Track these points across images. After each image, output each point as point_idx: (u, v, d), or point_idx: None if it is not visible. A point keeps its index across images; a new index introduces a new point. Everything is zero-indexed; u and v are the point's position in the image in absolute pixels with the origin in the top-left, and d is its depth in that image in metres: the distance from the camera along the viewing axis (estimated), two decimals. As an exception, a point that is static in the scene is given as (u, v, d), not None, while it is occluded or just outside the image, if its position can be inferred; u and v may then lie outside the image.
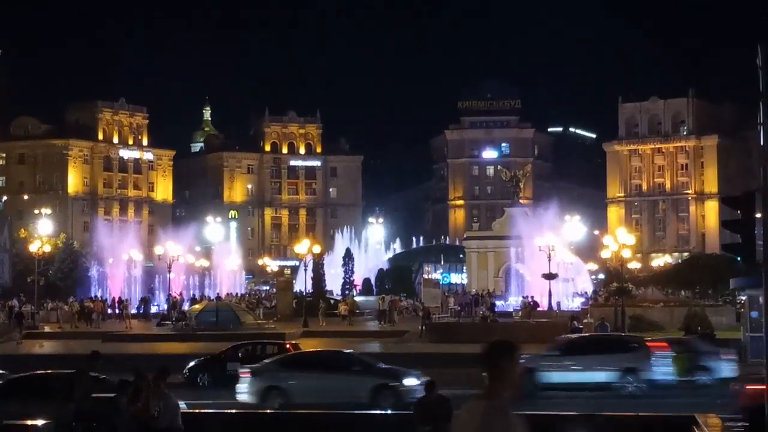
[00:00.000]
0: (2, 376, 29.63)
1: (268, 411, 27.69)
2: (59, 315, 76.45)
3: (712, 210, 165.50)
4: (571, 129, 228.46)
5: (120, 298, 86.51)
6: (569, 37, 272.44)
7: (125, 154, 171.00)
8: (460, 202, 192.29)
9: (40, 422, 20.07)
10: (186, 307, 79.23)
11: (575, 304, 72.02)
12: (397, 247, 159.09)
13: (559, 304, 70.18)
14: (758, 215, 20.22)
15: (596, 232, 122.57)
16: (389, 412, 25.89)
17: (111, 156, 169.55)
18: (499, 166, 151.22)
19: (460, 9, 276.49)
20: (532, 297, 71.41)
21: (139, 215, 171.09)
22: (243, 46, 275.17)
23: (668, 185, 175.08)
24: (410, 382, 30.18)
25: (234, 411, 26.20)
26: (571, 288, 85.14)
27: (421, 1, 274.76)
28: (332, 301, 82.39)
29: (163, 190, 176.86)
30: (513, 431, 7.57)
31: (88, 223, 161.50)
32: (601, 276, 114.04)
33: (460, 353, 40.78)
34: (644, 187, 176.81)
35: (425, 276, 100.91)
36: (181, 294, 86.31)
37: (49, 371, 28.17)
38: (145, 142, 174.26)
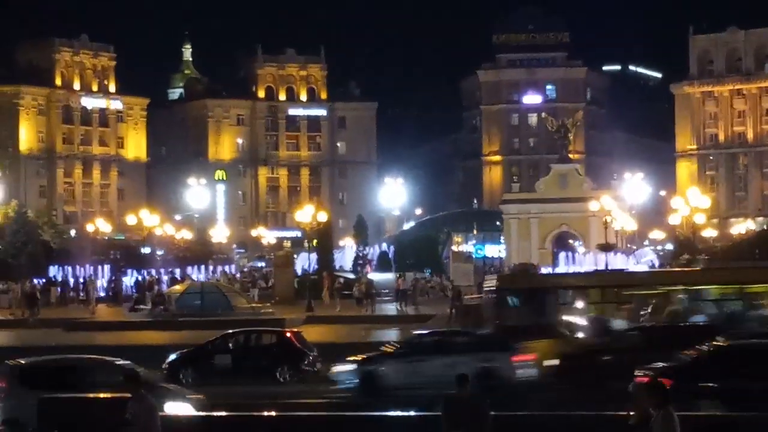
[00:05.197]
0: None
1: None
2: (11, 299, 76.67)
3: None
4: (632, 67, 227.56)
5: (84, 278, 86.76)
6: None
7: (89, 102, 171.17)
8: (497, 158, 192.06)
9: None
10: (164, 288, 79.48)
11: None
12: (419, 213, 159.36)
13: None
14: None
15: (663, 193, 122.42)
16: (411, 413, 25.71)
17: (71, 105, 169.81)
18: (543, 114, 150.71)
19: None
20: (585, 273, 71.31)
21: (106, 177, 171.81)
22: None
23: (750, 135, 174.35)
24: None
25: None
26: (632, 262, 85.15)
27: None
28: (343, 280, 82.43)
29: (136, 146, 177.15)
30: None
31: (45, 187, 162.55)
32: (669, 246, 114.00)
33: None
34: (721, 137, 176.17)
35: (454, 249, 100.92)
36: (151, 274, 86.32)
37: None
38: (112, 88, 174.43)
